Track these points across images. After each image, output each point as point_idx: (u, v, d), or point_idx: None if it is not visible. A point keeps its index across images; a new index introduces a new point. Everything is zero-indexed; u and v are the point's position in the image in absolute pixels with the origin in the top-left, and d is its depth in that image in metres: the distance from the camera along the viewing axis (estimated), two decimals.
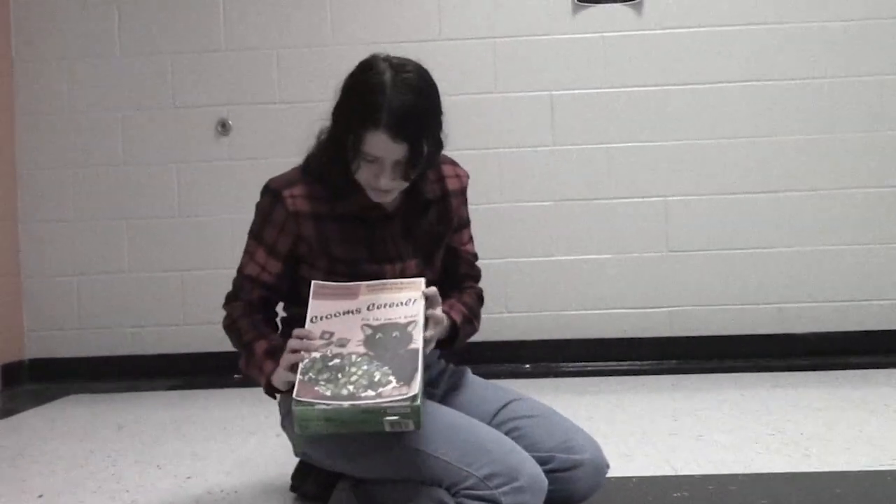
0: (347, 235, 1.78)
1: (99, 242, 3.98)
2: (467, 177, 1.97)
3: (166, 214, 3.97)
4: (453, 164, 1.96)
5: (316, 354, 1.58)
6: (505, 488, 1.53)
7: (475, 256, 2.01)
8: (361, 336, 1.61)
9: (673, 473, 2.10)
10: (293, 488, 1.99)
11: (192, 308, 3.94)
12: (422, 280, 1.70)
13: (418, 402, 1.49)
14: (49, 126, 3.99)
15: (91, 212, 3.98)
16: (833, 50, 3.82)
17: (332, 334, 1.62)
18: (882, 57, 3.81)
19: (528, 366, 3.84)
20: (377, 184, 1.70)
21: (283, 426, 1.89)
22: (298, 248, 1.78)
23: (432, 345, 1.69)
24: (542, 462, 1.63)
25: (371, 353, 1.58)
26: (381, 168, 1.68)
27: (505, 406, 1.80)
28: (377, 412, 1.50)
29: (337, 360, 1.57)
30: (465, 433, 1.61)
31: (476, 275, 2.00)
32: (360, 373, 1.55)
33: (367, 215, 1.80)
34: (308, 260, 1.79)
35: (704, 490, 1.95)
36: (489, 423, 1.73)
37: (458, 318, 1.82)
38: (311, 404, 1.50)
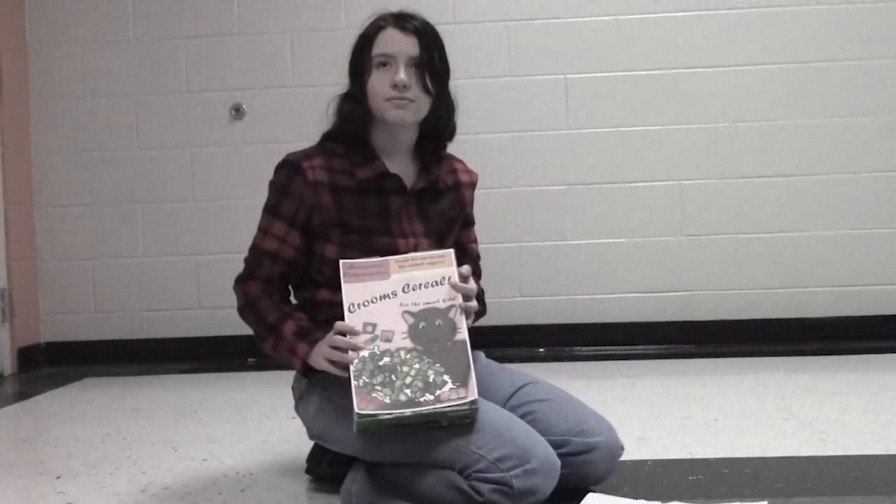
0: (363, 207, 1.80)
1: (114, 227, 4.00)
2: (477, 176, 2.04)
3: (181, 199, 3.98)
4: (464, 163, 2.02)
5: (364, 353, 1.59)
6: (517, 471, 1.53)
7: (479, 256, 2.07)
8: (405, 326, 1.62)
9: (688, 457, 2.10)
10: (308, 471, 1.99)
11: (206, 292, 3.96)
12: (451, 251, 1.71)
13: (477, 404, 1.55)
14: (63, 111, 4.00)
15: (106, 196, 4.00)
16: (849, 33, 3.78)
17: (374, 326, 1.62)
18: None
19: (541, 349, 3.84)
20: (394, 78, 1.75)
21: (298, 409, 1.89)
22: (313, 220, 1.79)
23: (471, 319, 1.70)
24: (556, 446, 1.63)
25: (419, 348, 1.60)
26: (395, 67, 1.76)
27: (519, 390, 1.80)
28: (439, 416, 1.55)
29: (387, 359, 1.59)
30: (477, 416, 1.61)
31: (479, 273, 2.04)
32: (413, 373, 1.57)
33: (384, 185, 1.82)
34: (321, 232, 1.79)
35: (719, 474, 1.94)
36: (503, 407, 1.74)
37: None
38: (375, 415, 1.53)
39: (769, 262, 3.83)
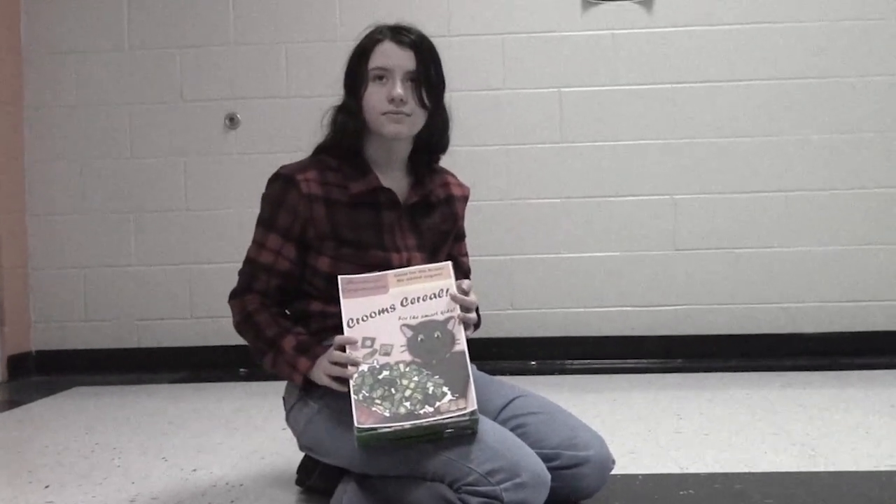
0: (356, 220, 1.80)
1: (106, 236, 3.99)
2: (469, 190, 2.05)
3: (174, 208, 3.97)
4: (456, 177, 2.03)
5: (363, 367, 1.59)
6: (507, 484, 1.52)
7: (469, 270, 2.07)
8: (403, 339, 1.62)
9: (679, 472, 2.10)
10: (298, 482, 1.99)
11: (198, 302, 3.95)
12: (449, 264, 1.71)
13: (477, 415, 1.54)
14: (57, 119, 4.00)
15: (99, 205, 3.99)
16: (844, 50, 3.80)
17: (373, 340, 1.62)
18: (893, 57, 3.80)
19: (533, 363, 3.84)
20: (391, 93, 1.75)
21: (288, 420, 1.89)
22: (307, 233, 1.79)
23: (470, 330, 1.70)
24: (547, 459, 1.63)
25: (418, 361, 1.59)
26: (392, 82, 1.76)
27: (510, 402, 1.80)
28: (439, 429, 1.55)
29: (386, 373, 1.58)
30: None
31: None
32: (412, 385, 1.57)
33: (377, 199, 1.82)
34: (315, 245, 1.79)
35: (710, 489, 1.95)
36: (494, 420, 1.73)
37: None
38: (375, 429, 1.52)
39: (762, 277, 3.84)
